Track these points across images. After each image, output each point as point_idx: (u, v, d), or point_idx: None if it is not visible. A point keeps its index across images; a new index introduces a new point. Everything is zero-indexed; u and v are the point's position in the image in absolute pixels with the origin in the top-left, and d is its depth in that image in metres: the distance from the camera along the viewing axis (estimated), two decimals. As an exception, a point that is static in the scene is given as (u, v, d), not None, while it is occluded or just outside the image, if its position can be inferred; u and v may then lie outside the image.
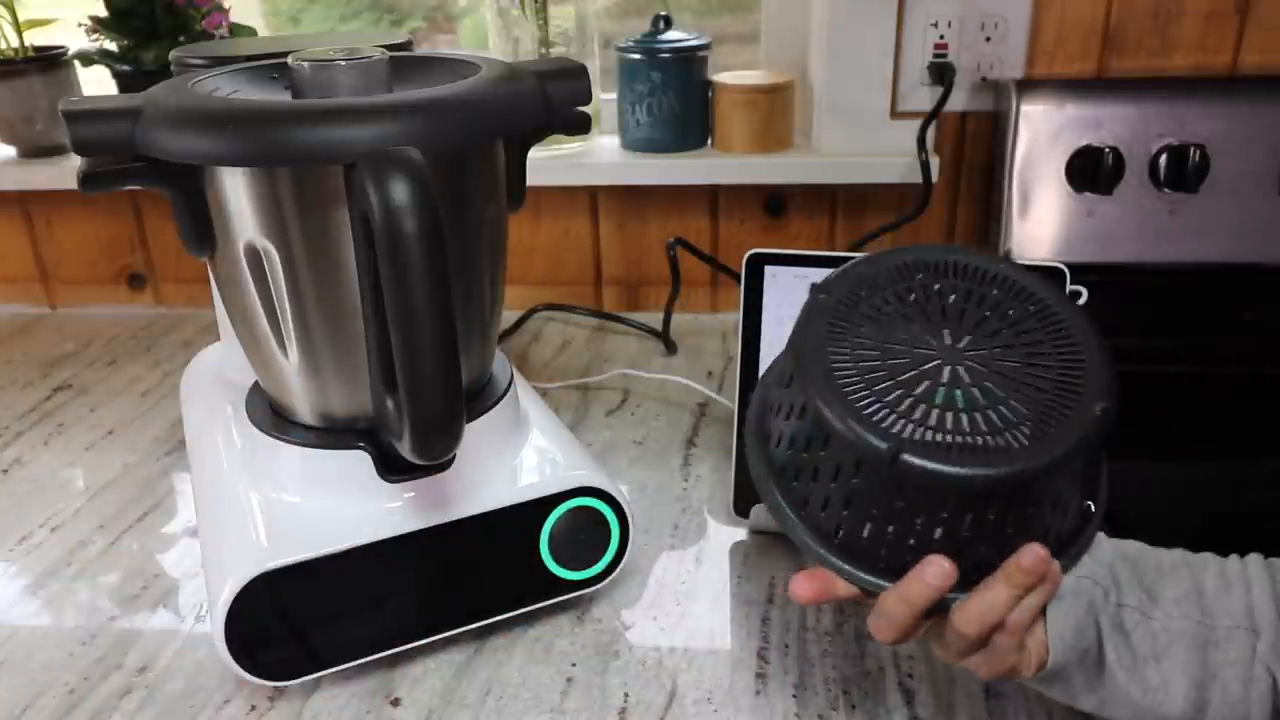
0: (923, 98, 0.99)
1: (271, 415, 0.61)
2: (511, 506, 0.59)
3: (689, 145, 1.05)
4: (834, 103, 1.01)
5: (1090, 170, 0.91)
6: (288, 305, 0.54)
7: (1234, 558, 0.48)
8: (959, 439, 0.42)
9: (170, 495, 0.80)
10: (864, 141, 1.01)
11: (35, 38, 1.11)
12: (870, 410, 0.43)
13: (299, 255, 0.53)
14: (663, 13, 1.02)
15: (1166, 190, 0.91)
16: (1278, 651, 0.45)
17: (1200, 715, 0.45)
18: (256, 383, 0.64)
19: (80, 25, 1.06)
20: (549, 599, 0.62)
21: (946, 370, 0.44)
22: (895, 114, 1.00)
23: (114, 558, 0.72)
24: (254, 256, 0.54)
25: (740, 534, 0.73)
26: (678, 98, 1.02)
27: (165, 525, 0.76)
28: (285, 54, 0.57)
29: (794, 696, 0.58)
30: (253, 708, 0.58)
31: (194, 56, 0.69)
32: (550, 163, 1.03)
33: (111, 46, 1.06)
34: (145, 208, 1.14)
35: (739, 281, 0.71)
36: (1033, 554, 0.43)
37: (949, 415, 0.43)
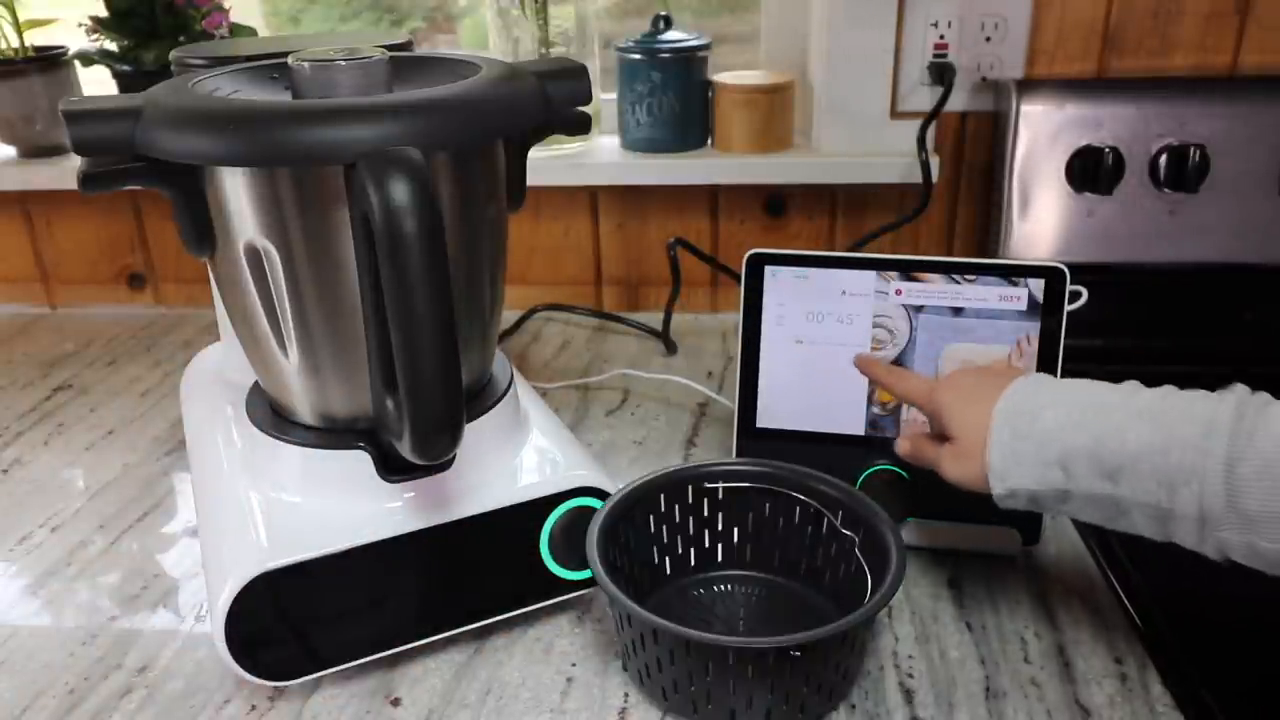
0: (923, 98, 0.99)
1: (271, 415, 0.61)
2: (511, 506, 0.59)
3: (689, 145, 1.05)
4: (834, 103, 1.01)
5: (1090, 170, 0.91)
6: (288, 305, 0.54)
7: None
8: None
9: (170, 495, 0.80)
10: (864, 141, 1.01)
11: (35, 38, 1.11)
12: None
13: (299, 255, 0.53)
14: (663, 13, 1.02)
15: (1166, 190, 0.91)
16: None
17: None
18: (256, 383, 0.64)
19: (80, 25, 1.06)
20: (549, 599, 0.62)
21: None
22: (895, 114, 1.00)
23: (114, 558, 0.72)
24: (254, 256, 0.54)
25: (740, 534, 0.72)
26: (678, 98, 1.02)
27: (165, 525, 0.76)
28: (285, 54, 0.56)
29: (794, 696, 0.58)
30: (253, 708, 0.58)
31: (194, 56, 0.69)
32: (550, 163, 1.03)
33: (111, 46, 1.06)
34: (145, 208, 1.14)
35: (739, 281, 0.71)
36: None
37: None
